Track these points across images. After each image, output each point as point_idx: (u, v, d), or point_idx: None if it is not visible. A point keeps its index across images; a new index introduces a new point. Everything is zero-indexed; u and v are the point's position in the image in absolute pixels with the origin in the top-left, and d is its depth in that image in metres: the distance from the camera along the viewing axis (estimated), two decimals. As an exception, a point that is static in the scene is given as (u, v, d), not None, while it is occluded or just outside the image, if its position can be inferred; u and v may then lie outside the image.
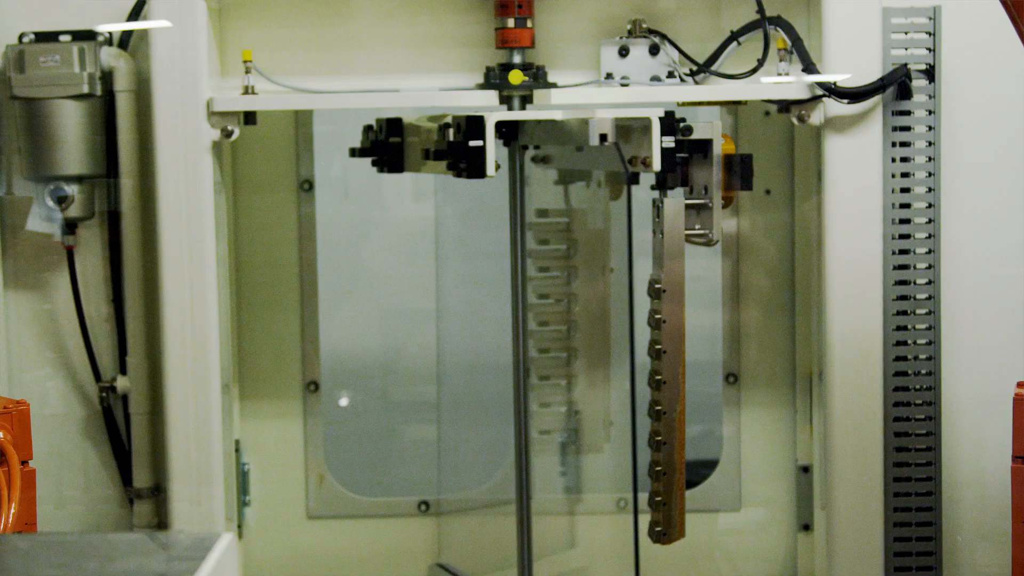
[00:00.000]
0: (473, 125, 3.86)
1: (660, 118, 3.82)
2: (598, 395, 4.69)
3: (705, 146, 3.87)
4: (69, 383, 4.53)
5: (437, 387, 4.86)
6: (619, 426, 4.90)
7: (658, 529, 3.98)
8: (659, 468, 3.94)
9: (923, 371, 4.28)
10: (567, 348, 4.63)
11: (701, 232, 3.91)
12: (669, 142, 3.84)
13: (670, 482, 3.97)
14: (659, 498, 3.96)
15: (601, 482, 4.90)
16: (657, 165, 3.84)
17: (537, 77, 4.25)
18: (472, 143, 3.85)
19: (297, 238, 4.73)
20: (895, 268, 4.25)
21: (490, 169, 3.87)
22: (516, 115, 4.16)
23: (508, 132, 4.31)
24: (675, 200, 3.87)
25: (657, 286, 3.88)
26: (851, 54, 4.17)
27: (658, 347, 3.91)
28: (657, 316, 3.89)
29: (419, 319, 5.00)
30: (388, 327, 5.06)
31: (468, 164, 3.88)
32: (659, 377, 3.91)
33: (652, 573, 4.82)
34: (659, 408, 3.92)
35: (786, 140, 4.64)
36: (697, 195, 3.96)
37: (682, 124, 3.86)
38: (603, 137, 3.90)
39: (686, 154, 3.88)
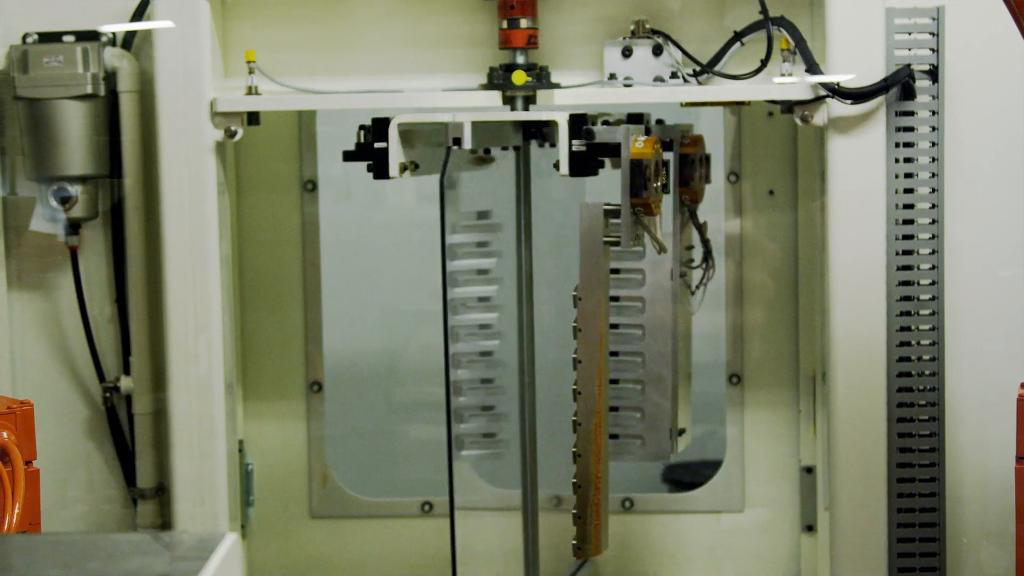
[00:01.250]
0: (379, 127, 3.95)
1: (568, 120, 3.86)
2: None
3: (616, 150, 3.85)
4: (73, 383, 4.53)
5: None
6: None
7: (574, 542, 3.97)
8: (575, 480, 3.94)
9: (927, 372, 4.28)
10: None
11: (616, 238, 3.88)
12: (579, 145, 3.86)
13: (585, 496, 3.95)
14: (575, 511, 3.96)
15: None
16: (565, 168, 3.86)
17: (540, 78, 4.25)
18: (377, 145, 3.94)
19: (300, 238, 4.73)
20: (899, 269, 4.25)
21: (392, 171, 3.96)
22: (416, 117, 4.10)
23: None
24: (591, 205, 3.86)
25: (574, 294, 3.87)
26: (854, 54, 4.17)
27: (575, 357, 3.89)
28: (574, 325, 3.88)
29: (422, 319, 5.00)
30: (391, 327, 5.06)
31: (374, 165, 3.97)
32: (575, 387, 3.91)
33: (655, 574, 4.82)
34: (575, 419, 3.91)
35: (789, 141, 4.64)
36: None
37: (586, 128, 3.87)
38: (456, 140, 3.95)
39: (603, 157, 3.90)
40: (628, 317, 4.27)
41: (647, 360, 4.25)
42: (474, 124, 3.92)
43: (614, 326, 4.28)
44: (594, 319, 3.89)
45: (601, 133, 3.87)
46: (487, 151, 4.35)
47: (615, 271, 4.24)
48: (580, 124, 3.86)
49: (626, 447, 4.30)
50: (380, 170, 3.97)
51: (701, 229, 4.41)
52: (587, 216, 3.84)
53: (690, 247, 4.43)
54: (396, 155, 3.96)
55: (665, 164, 3.93)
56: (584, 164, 3.87)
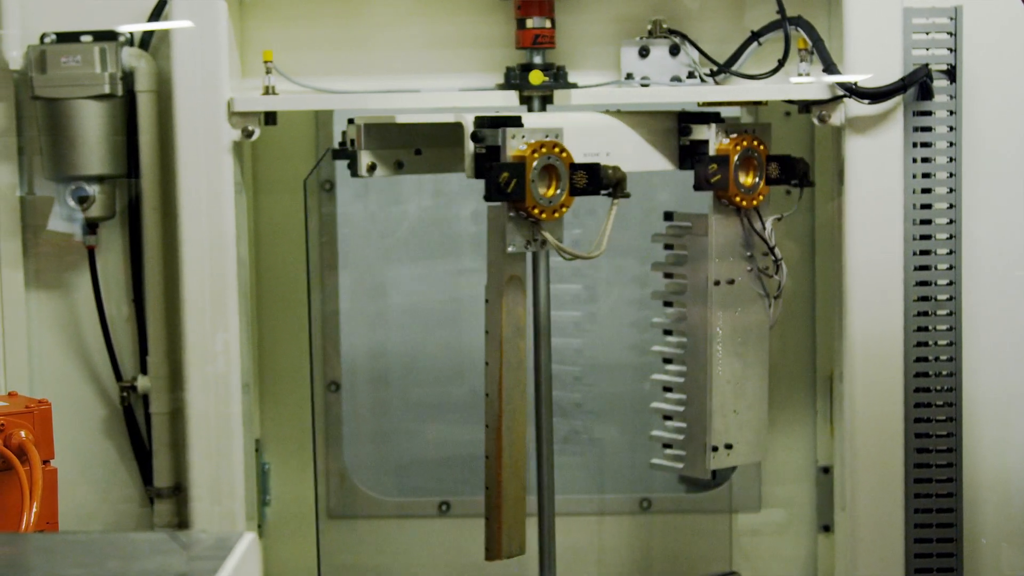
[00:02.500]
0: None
1: (473, 122, 3.91)
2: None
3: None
4: (90, 382, 4.53)
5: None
6: (633, 426, 4.90)
7: (486, 545, 4.02)
8: (486, 483, 3.98)
9: (944, 372, 4.27)
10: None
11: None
12: (480, 148, 3.90)
13: (489, 498, 3.99)
14: (486, 513, 4.00)
15: (622, 482, 4.91)
16: (470, 172, 3.88)
17: (557, 77, 4.25)
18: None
19: (318, 238, 4.73)
20: (916, 269, 4.24)
21: (360, 170, 4.14)
22: (381, 119, 4.19)
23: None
24: (497, 207, 3.90)
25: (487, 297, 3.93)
26: (872, 54, 4.16)
27: (485, 359, 3.95)
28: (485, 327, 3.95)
29: (440, 318, 5.00)
30: (409, 327, 5.06)
31: (349, 164, 4.18)
32: (486, 390, 3.96)
33: (672, 574, 4.82)
34: (486, 423, 3.95)
35: (807, 140, 4.64)
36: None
37: (474, 131, 3.91)
38: (349, 141, 4.16)
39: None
40: (675, 324, 4.28)
41: (688, 371, 4.24)
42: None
43: (668, 332, 4.28)
44: (497, 321, 3.93)
45: (487, 136, 3.90)
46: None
47: (668, 275, 4.26)
48: (482, 126, 3.90)
49: (677, 461, 4.28)
50: (352, 169, 4.17)
51: (761, 235, 4.21)
52: (492, 217, 3.91)
53: (750, 255, 4.24)
54: (365, 155, 4.14)
55: (587, 167, 3.91)
56: (480, 166, 3.92)
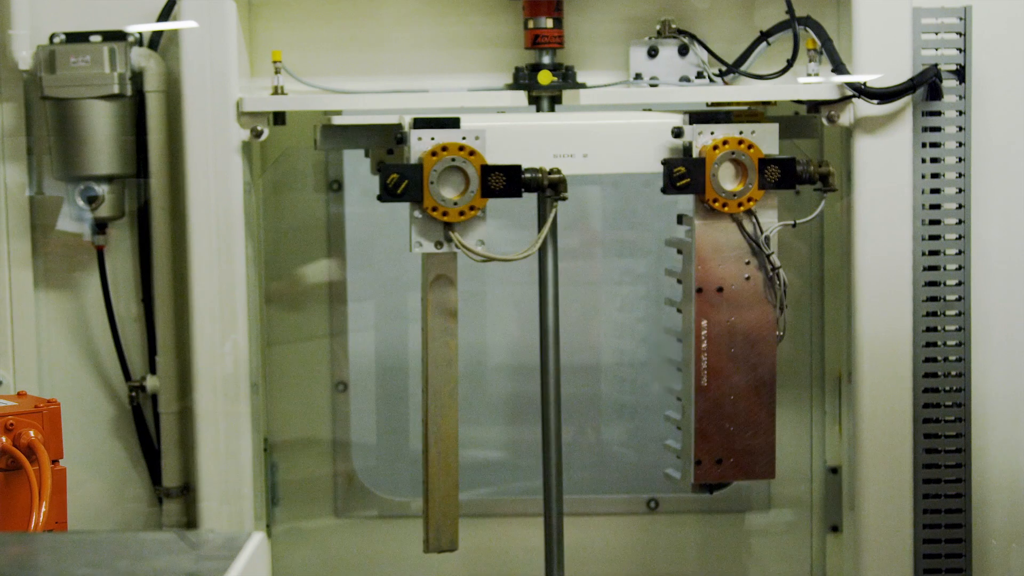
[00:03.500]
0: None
1: (411, 122, 3.95)
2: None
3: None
4: (99, 382, 4.54)
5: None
6: (641, 426, 4.90)
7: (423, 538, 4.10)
8: (423, 478, 4.07)
9: (953, 372, 4.27)
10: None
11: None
12: (404, 151, 3.97)
13: (424, 493, 4.07)
14: (423, 507, 4.09)
15: (629, 483, 4.91)
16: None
17: (566, 78, 4.25)
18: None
19: (326, 238, 4.74)
20: (925, 269, 4.24)
21: None
22: (353, 119, 4.26)
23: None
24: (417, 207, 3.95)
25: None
26: (881, 54, 4.16)
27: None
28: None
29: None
30: (417, 327, 5.06)
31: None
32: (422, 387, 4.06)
33: (680, 574, 4.81)
34: (422, 419, 4.05)
35: (815, 141, 4.63)
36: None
37: (398, 134, 4.01)
38: (315, 142, 4.20)
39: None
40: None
41: (683, 381, 4.21)
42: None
43: (679, 339, 4.23)
44: (424, 319, 4.02)
45: (408, 137, 3.95)
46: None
47: (679, 280, 4.21)
48: (418, 127, 3.94)
49: (677, 471, 4.28)
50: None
51: (754, 241, 4.07)
52: (411, 218, 3.97)
53: (747, 262, 4.10)
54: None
55: (506, 169, 3.92)
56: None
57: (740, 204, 4.02)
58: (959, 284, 4.24)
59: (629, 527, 4.83)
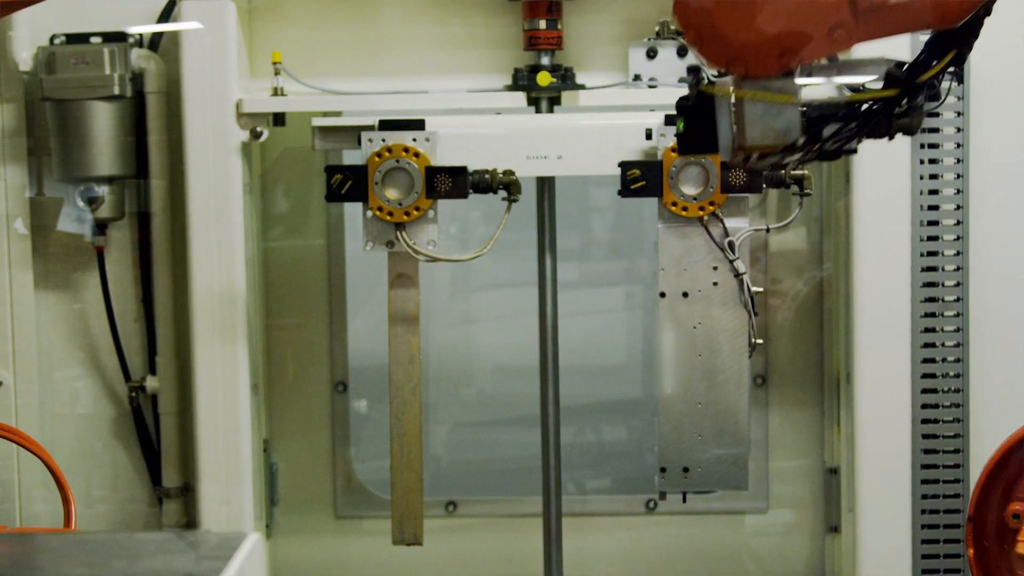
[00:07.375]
0: None
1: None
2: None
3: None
4: (99, 383, 4.54)
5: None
6: (640, 427, 4.90)
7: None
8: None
9: (951, 373, 4.27)
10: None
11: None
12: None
13: (391, 487, 4.14)
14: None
15: (628, 483, 4.91)
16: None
17: (565, 79, 4.26)
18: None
19: (326, 239, 4.74)
20: (924, 270, 4.24)
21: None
22: (336, 121, 4.21)
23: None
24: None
25: None
26: (879, 55, 4.16)
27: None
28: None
29: (447, 319, 5.00)
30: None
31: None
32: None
33: (678, 573, 4.82)
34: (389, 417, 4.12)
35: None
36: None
37: (360, 135, 4.05)
38: (314, 144, 4.18)
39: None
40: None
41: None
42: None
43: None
44: (388, 318, 4.09)
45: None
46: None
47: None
48: (384, 128, 3.99)
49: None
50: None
51: (718, 245, 4.00)
52: (364, 218, 4.01)
53: (715, 267, 4.07)
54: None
55: (452, 171, 3.94)
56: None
57: (702, 208, 3.98)
58: (957, 285, 4.24)
59: (628, 528, 4.83)
